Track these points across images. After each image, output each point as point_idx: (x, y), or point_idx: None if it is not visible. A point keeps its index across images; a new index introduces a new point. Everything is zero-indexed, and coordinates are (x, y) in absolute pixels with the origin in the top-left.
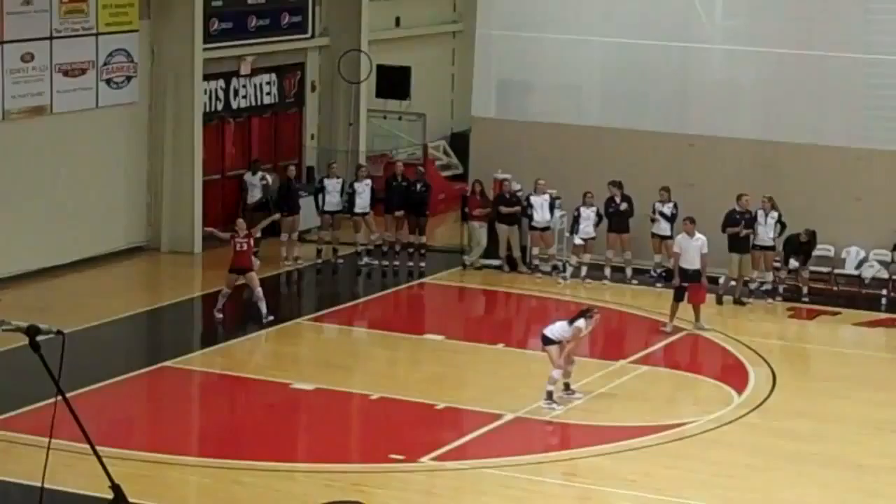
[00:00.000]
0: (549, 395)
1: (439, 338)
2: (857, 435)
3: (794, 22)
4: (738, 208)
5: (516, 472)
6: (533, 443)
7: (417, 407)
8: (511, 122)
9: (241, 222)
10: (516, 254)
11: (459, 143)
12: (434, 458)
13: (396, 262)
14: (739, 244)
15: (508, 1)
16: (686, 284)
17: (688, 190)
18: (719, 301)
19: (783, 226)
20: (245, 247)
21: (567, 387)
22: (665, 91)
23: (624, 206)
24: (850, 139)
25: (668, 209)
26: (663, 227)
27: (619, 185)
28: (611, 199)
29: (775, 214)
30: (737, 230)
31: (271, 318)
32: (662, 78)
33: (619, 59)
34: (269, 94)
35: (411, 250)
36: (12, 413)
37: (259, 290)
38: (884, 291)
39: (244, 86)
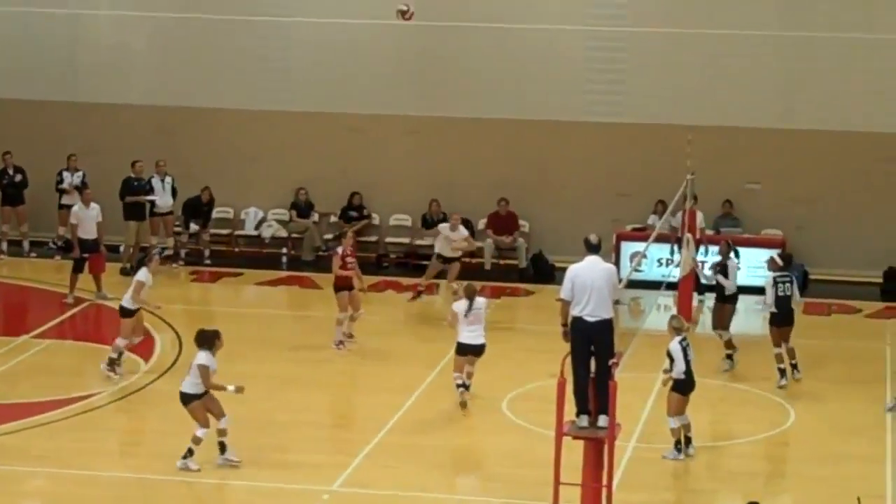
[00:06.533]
0: None
1: None
2: (268, 392)
3: None
4: (133, 175)
5: None
6: None
7: None
8: None
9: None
10: None
11: None
12: None
13: None
14: (135, 211)
15: None
16: (86, 255)
17: (94, 158)
18: (124, 271)
19: (175, 190)
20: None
21: None
22: (54, 59)
23: (18, 177)
24: (244, 102)
25: (77, 179)
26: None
27: (9, 155)
28: (3, 171)
29: (170, 179)
30: (138, 198)
31: None
32: (51, 47)
33: None
34: None
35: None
36: None
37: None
38: (284, 250)
39: None
